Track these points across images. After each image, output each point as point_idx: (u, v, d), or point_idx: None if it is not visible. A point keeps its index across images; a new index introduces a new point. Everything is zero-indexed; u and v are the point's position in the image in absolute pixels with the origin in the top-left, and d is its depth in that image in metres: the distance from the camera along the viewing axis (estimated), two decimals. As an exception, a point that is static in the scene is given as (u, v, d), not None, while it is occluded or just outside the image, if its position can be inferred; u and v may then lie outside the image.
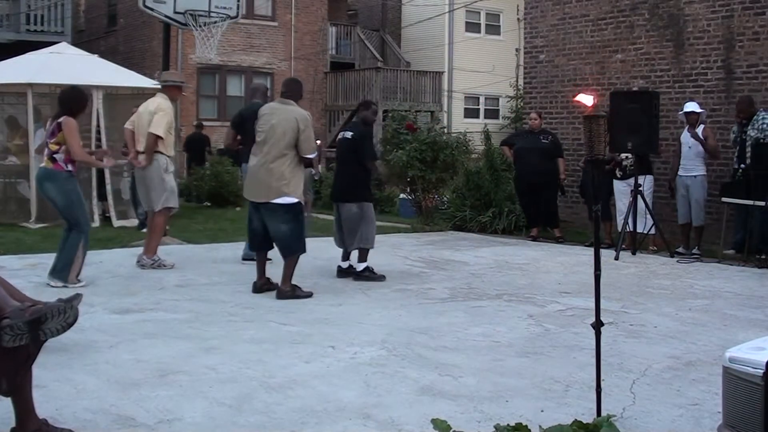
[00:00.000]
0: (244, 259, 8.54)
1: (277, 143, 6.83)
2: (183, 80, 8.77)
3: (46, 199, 7.34)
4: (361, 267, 7.75)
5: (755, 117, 9.38)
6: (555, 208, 11.15)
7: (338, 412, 4.03)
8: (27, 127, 12.05)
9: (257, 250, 7.29)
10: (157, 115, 8.00)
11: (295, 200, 6.88)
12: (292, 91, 7.18)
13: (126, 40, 23.47)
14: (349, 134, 7.92)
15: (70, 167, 6.97)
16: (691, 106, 9.68)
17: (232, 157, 16.05)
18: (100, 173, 11.96)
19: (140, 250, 8.43)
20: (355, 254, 7.85)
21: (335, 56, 25.60)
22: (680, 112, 9.94)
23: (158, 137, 7.99)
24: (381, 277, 7.73)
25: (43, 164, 7.09)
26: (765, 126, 9.23)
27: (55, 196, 6.98)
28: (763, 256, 8.90)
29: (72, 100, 7.02)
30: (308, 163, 7.23)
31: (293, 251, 6.96)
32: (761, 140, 9.26)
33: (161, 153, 8.12)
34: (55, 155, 6.92)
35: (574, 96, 4.32)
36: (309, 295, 6.88)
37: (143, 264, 8.03)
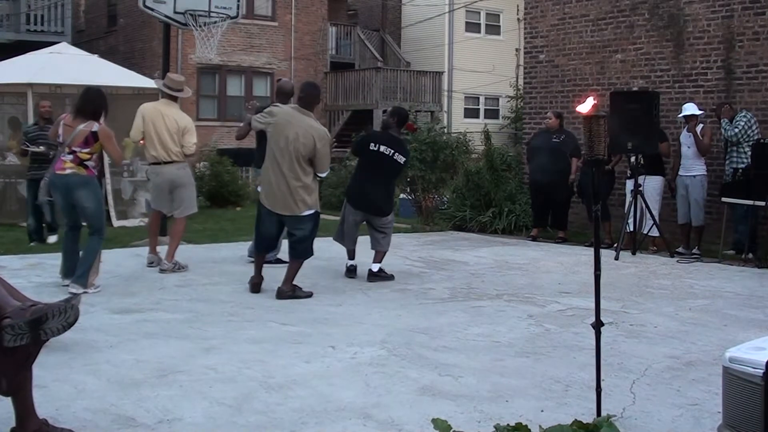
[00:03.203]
0: (250, 256, 8.58)
1: (298, 158, 6.83)
2: (181, 88, 8.51)
3: (64, 205, 6.87)
4: (377, 267, 7.81)
5: (736, 116, 9.46)
6: (565, 209, 11.06)
7: (338, 412, 4.03)
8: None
9: (263, 252, 7.32)
10: (187, 135, 8.05)
11: (316, 209, 7.06)
12: (311, 99, 7.09)
13: (126, 40, 23.47)
14: (402, 159, 7.89)
15: (96, 172, 6.92)
16: (690, 108, 9.69)
17: (232, 157, 16.11)
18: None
19: (140, 250, 8.43)
20: (370, 255, 7.90)
21: (335, 56, 25.59)
22: (680, 115, 9.96)
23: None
24: (391, 277, 7.83)
25: (70, 171, 6.70)
26: (737, 123, 9.33)
27: (88, 203, 6.75)
28: (752, 255, 8.99)
29: (100, 103, 6.83)
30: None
31: (307, 255, 7.08)
32: (761, 140, 9.30)
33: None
34: (86, 162, 6.74)
35: (574, 106, 4.32)
36: (309, 295, 6.89)
37: (164, 269, 7.93)
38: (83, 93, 6.92)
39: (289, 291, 6.84)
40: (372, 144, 7.89)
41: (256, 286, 7.05)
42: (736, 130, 9.35)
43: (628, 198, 10.11)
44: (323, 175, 7.10)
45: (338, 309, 6.48)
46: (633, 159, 9.96)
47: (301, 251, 7.05)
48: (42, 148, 9.45)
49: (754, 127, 9.41)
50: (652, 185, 9.79)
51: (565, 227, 11.01)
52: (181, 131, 8.02)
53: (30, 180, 10.10)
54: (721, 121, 9.59)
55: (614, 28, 11.80)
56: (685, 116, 9.70)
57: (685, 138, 9.75)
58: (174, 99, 8.23)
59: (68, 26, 21.70)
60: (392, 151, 7.82)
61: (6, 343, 3.25)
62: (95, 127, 6.71)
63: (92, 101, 6.81)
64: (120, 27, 24.03)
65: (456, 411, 4.02)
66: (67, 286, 6.79)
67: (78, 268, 6.79)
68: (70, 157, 6.71)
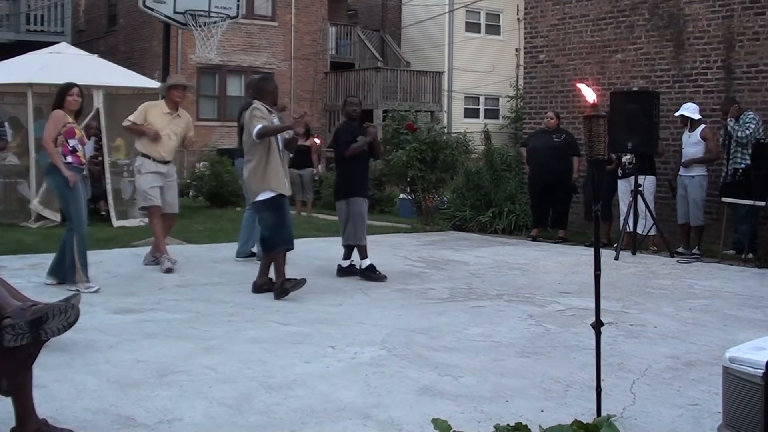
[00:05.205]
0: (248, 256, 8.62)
1: (245, 145, 7.08)
2: (170, 83, 8.44)
3: None
4: (366, 264, 7.76)
5: (741, 116, 9.43)
6: (566, 209, 11.07)
7: (338, 412, 4.03)
8: (27, 127, 12.04)
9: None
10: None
11: (269, 195, 6.89)
12: (253, 89, 7.29)
13: (126, 40, 23.48)
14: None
15: (69, 159, 6.89)
16: (688, 111, 9.67)
17: (231, 156, 16.10)
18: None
19: (140, 250, 8.45)
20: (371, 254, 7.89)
21: (335, 56, 25.61)
22: (675, 113, 9.96)
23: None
24: (383, 277, 7.70)
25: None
26: (747, 125, 9.30)
27: (53, 189, 7.10)
28: (752, 255, 9.00)
29: (57, 94, 7.11)
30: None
31: (270, 246, 6.97)
32: (761, 140, 9.30)
33: (146, 156, 8.12)
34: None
35: (576, 82, 4.31)
36: (302, 282, 6.81)
37: (150, 261, 8.14)
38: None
39: (279, 285, 6.79)
40: None
41: (255, 286, 7.04)
42: (748, 132, 9.28)
43: (621, 198, 10.13)
44: (256, 135, 6.75)
45: (338, 309, 6.48)
46: (625, 159, 9.97)
47: (263, 241, 7.14)
48: None
49: (760, 130, 9.39)
50: (646, 185, 9.79)
51: (565, 227, 11.02)
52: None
53: None
54: (728, 120, 9.53)
55: (614, 28, 11.80)
56: (681, 116, 9.71)
57: (686, 138, 9.74)
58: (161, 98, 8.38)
59: (68, 26, 21.71)
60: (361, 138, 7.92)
61: (6, 343, 3.25)
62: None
63: (55, 98, 7.10)
64: (120, 27, 24.04)
65: (456, 411, 4.02)
66: (50, 284, 6.98)
67: (56, 261, 7.08)
68: None
